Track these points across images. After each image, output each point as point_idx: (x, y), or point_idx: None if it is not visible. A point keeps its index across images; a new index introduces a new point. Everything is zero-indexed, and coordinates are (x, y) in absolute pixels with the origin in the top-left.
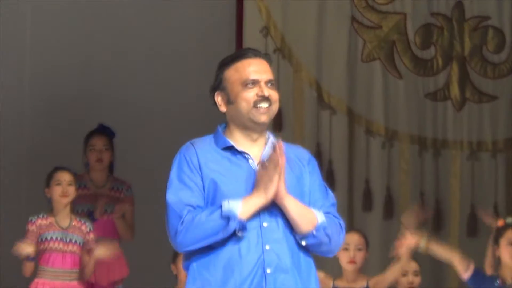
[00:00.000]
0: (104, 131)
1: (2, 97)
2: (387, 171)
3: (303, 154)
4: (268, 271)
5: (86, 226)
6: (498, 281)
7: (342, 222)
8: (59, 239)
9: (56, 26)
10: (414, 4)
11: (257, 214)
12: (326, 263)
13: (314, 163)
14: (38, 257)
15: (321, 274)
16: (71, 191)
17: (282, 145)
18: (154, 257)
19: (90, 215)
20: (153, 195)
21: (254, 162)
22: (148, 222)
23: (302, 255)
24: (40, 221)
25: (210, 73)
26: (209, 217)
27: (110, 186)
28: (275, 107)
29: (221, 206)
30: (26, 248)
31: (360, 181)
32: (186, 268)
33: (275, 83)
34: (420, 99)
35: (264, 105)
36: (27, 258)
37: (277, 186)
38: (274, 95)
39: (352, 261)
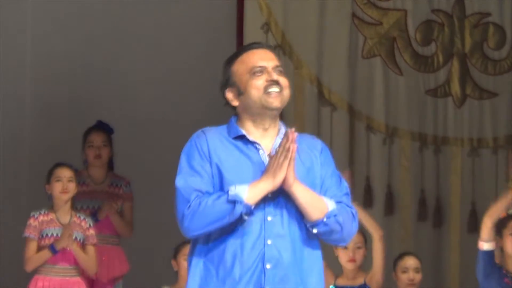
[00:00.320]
0: (103, 128)
1: (3, 95)
2: (387, 168)
3: (315, 144)
4: (268, 266)
5: (86, 222)
6: (503, 271)
7: (354, 211)
8: (59, 235)
9: (56, 24)
10: (414, 1)
11: (262, 207)
12: (326, 261)
13: (327, 152)
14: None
15: (328, 272)
16: (72, 187)
17: (294, 132)
18: (155, 253)
19: (93, 215)
20: (153, 192)
21: (264, 153)
22: (148, 218)
23: (306, 251)
24: (42, 217)
25: (210, 69)
26: (216, 201)
27: (109, 183)
28: (287, 93)
29: (228, 191)
30: (69, 241)
31: (361, 177)
32: (189, 262)
33: (283, 70)
34: (421, 96)
35: (275, 89)
36: (51, 248)
37: (286, 172)
38: (283, 80)
39: (352, 260)
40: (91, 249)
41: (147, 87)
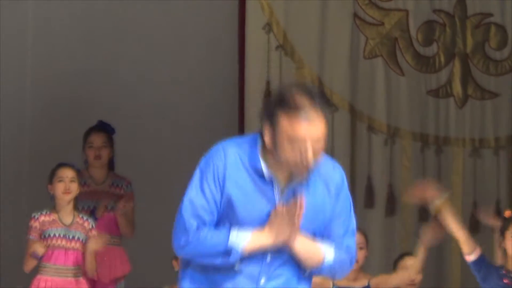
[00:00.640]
0: (103, 128)
1: (4, 95)
2: (389, 168)
3: (333, 178)
4: None
5: (88, 223)
6: (503, 271)
7: (353, 258)
8: (62, 236)
9: (57, 24)
10: (416, 1)
11: (258, 268)
12: None
13: (343, 190)
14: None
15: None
16: (74, 187)
17: (303, 200)
18: (156, 253)
19: (92, 214)
20: (155, 192)
21: (278, 192)
22: (149, 219)
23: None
24: (43, 218)
25: (212, 69)
26: (214, 241)
27: (110, 183)
28: (315, 163)
29: (229, 233)
30: (40, 248)
31: (362, 178)
32: (181, 278)
33: (324, 137)
34: (422, 96)
35: (305, 170)
36: (33, 254)
37: (291, 231)
38: (318, 153)
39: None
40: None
41: (148, 87)
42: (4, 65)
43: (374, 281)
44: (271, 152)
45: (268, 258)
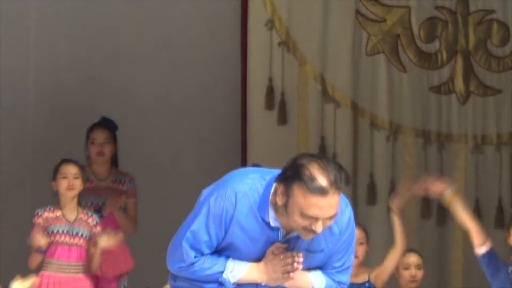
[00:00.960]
0: (106, 124)
1: (7, 93)
2: (391, 165)
3: (340, 221)
4: None
5: (93, 219)
6: (510, 268)
7: None
8: (65, 232)
9: (61, 17)
10: None
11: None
12: None
13: (348, 230)
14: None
15: None
16: (78, 184)
17: (301, 261)
18: (159, 249)
19: (97, 212)
20: (158, 188)
21: (282, 233)
22: (152, 215)
23: None
24: (47, 214)
25: (215, 66)
26: (210, 270)
27: (113, 179)
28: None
29: (225, 264)
30: (40, 239)
31: (365, 174)
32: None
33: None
34: (425, 93)
35: (313, 233)
36: (38, 250)
37: (281, 279)
38: (328, 224)
39: (355, 256)
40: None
41: (151, 84)
42: (7, 66)
43: (373, 274)
44: (281, 214)
45: (263, 285)
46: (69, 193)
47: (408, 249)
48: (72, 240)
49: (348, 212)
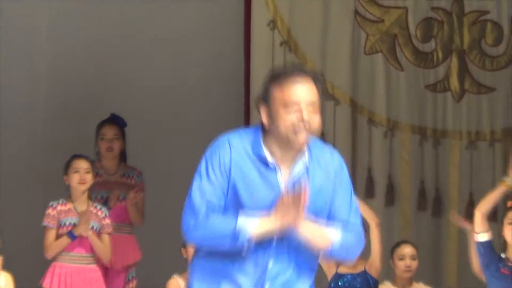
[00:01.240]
0: (115, 121)
1: (19, 91)
2: (388, 160)
3: (332, 163)
4: (267, 286)
5: (102, 212)
6: (502, 261)
7: (361, 231)
8: (77, 224)
9: (72, 16)
10: None
11: (265, 254)
12: None
13: (343, 173)
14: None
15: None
16: (89, 178)
17: (307, 187)
18: (166, 241)
19: (105, 203)
20: (164, 182)
21: (282, 179)
22: (159, 208)
23: (303, 273)
24: (60, 207)
25: (219, 65)
26: (223, 225)
27: (122, 173)
28: (315, 131)
29: (237, 219)
30: (87, 230)
31: (363, 169)
32: (193, 266)
33: (318, 102)
34: (421, 91)
35: (302, 129)
36: (70, 234)
37: (293, 219)
38: (314, 119)
39: None
40: (106, 238)
41: (158, 83)
42: (19, 63)
43: (367, 264)
44: (271, 132)
45: (274, 243)
46: (81, 187)
47: (403, 241)
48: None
49: (338, 157)
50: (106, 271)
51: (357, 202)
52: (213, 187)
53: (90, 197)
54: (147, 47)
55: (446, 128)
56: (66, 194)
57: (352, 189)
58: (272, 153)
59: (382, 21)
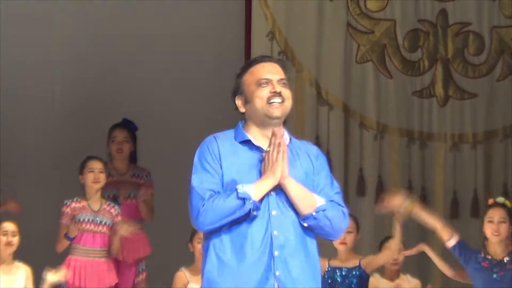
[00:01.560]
0: (126, 124)
1: (35, 97)
2: (378, 161)
3: (312, 150)
4: (276, 253)
5: (115, 210)
6: (482, 255)
7: (345, 210)
8: (90, 220)
9: (84, 25)
10: (403, 12)
11: (266, 203)
12: (323, 245)
13: (322, 158)
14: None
15: (320, 258)
16: (102, 177)
17: (280, 130)
18: (174, 237)
19: (115, 200)
20: (173, 182)
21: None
22: (167, 205)
23: (308, 239)
24: (74, 204)
25: (222, 73)
26: (227, 199)
27: (131, 173)
28: (288, 103)
29: (236, 189)
30: (74, 231)
31: (355, 169)
32: (205, 249)
33: (287, 82)
34: (408, 97)
35: (277, 100)
36: (66, 236)
37: (282, 165)
38: (286, 92)
39: (343, 243)
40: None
41: (165, 90)
42: (33, 67)
43: (364, 261)
44: (250, 117)
45: (273, 193)
46: (95, 185)
47: (390, 236)
48: (96, 228)
49: (316, 147)
50: (118, 264)
51: (337, 186)
52: (211, 175)
53: (103, 196)
54: (157, 56)
55: (432, 131)
56: (81, 192)
57: (332, 177)
58: (254, 138)
59: (373, 32)
